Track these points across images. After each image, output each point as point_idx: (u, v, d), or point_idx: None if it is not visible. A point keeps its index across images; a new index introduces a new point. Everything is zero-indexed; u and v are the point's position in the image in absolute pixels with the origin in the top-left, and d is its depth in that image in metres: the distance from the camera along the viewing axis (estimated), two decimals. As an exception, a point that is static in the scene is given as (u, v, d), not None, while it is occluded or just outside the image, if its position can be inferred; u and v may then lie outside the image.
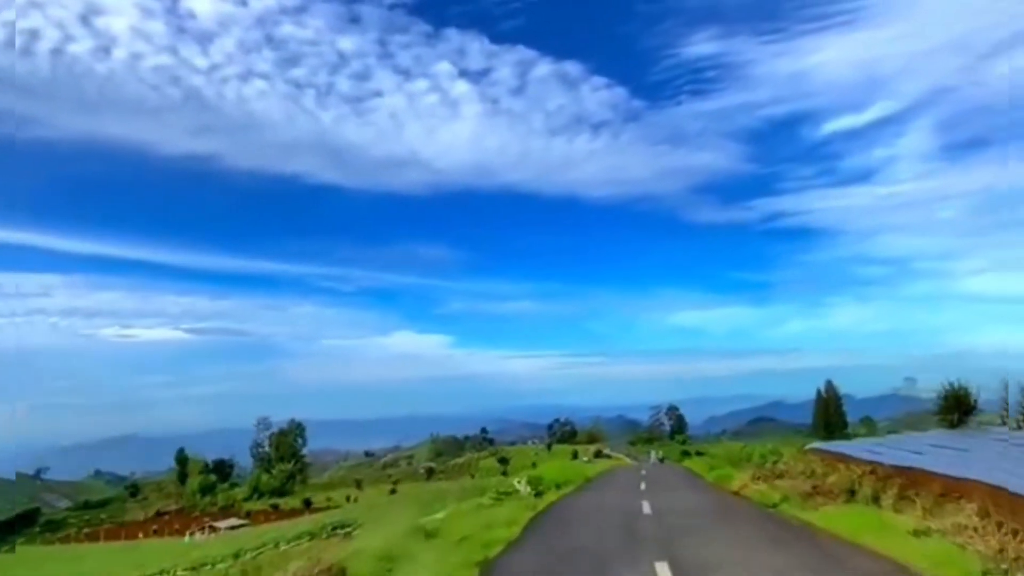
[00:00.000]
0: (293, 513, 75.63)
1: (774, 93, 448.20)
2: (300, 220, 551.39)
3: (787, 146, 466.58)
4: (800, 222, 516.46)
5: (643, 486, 27.44)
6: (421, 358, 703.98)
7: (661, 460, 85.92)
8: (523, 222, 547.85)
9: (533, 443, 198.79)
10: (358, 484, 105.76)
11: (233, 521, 74.89)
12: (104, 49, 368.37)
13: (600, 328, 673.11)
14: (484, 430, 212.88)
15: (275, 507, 77.27)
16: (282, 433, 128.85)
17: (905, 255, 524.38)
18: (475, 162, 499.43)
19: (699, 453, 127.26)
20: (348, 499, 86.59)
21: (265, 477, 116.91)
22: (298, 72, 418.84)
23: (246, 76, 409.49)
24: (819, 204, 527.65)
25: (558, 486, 28.04)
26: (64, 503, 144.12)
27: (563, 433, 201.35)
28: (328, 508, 75.51)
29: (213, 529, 72.60)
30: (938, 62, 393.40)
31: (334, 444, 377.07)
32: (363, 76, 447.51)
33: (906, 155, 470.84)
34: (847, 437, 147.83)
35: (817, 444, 26.30)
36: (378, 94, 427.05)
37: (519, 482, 29.27)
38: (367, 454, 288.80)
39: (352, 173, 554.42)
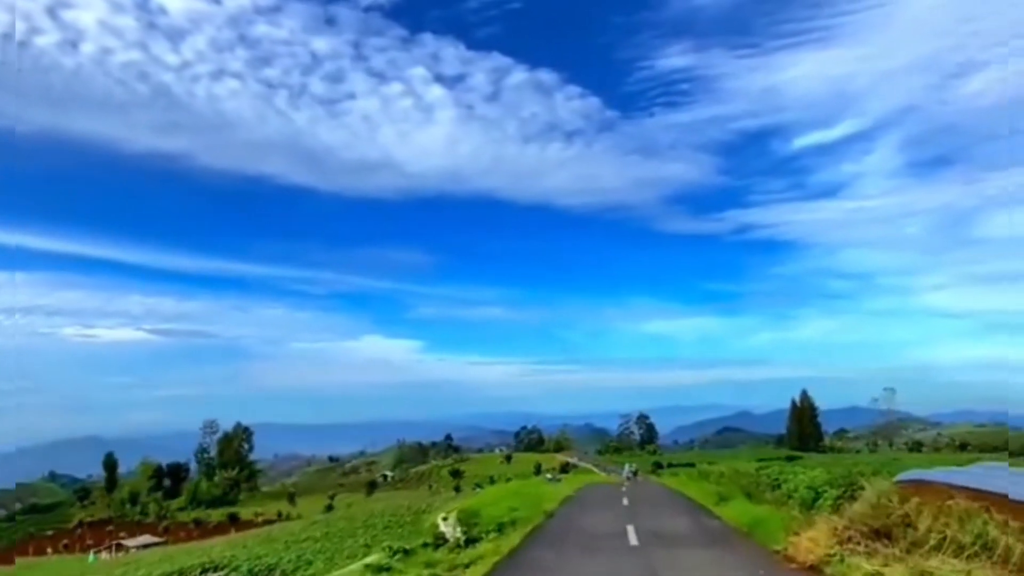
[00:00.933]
0: (217, 530, 64.27)
1: (746, 107, 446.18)
2: (270, 222, 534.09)
3: (758, 159, 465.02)
4: (770, 235, 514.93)
5: (632, 535, 17.34)
6: (390, 363, 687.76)
7: (634, 474, 76.25)
8: (495, 228, 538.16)
9: (501, 451, 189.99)
10: (291, 498, 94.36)
11: (145, 539, 63.46)
12: (71, 43, 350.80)
13: (570, 336, 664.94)
14: (448, 437, 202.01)
15: (198, 522, 65.92)
16: (227, 438, 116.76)
17: (870, 270, 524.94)
18: (448, 167, 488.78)
19: (671, 465, 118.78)
20: (279, 516, 75.35)
21: (205, 485, 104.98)
22: (271, 72, 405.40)
23: (218, 75, 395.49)
24: (788, 217, 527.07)
25: (500, 528, 17.96)
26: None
27: (530, 441, 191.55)
28: (255, 524, 64.39)
29: (120, 547, 61.16)
30: (906, 81, 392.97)
31: (300, 449, 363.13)
32: (337, 78, 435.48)
33: (873, 171, 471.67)
34: (822, 450, 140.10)
35: (915, 474, 16.18)
36: (352, 96, 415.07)
37: (445, 520, 19.42)
38: (332, 459, 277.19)
39: (324, 175, 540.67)
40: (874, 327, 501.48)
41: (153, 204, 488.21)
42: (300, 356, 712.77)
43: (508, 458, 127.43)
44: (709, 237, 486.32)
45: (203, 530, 64.32)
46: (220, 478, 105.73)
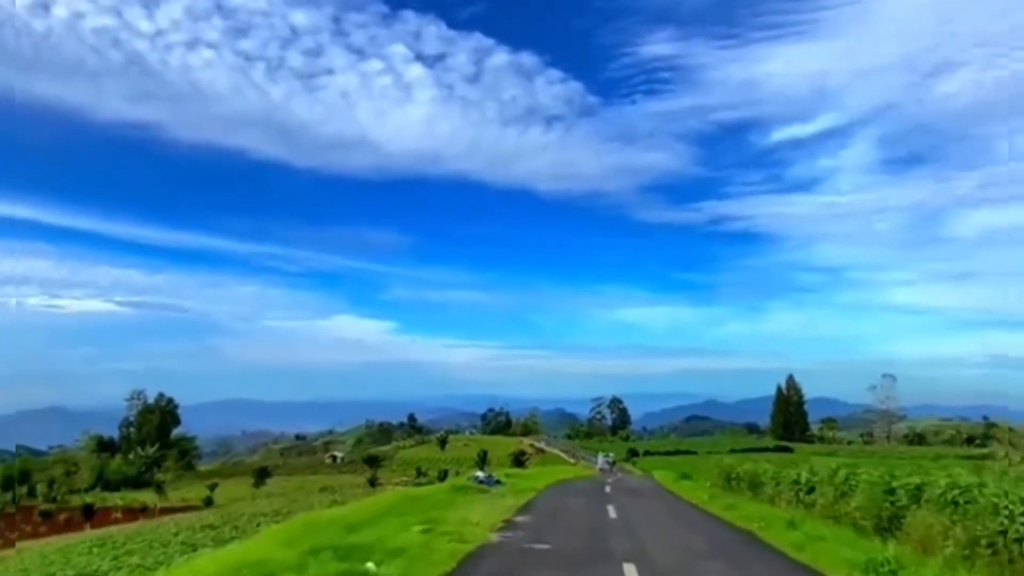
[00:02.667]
0: (68, 526, 46.91)
1: (725, 98, 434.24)
2: (243, 196, 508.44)
3: (735, 151, 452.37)
4: (744, 226, 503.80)
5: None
6: (362, 343, 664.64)
7: (611, 464, 60.73)
8: (471, 211, 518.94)
9: (471, 432, 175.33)
10: (211, 491, 76.68)
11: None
12: (43, 6, 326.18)
13: (543, 321, 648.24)
14: (412, 417, 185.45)
15: (46, 515, 49.45)
16: (147, 411, 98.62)
17: (840, 264, 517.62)
18: (426, 148, 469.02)
19: (648, 453, 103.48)
20: (142, 508, 58.15)
21: (116, 463, 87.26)
22: (247, 44, 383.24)
23: (193, 44, 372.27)
24: (763, 210, 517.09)
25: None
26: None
27: (497, 423, 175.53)
28: (117, 519, 47.24)
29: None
30: (883, 78, 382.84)
31: (269, 426, 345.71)
32: (315, 52, 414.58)
33: (848, 167, 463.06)
34: (809, 440, 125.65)
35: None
36: (330, 72, 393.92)
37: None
38: (298, 437, 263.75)
39: (299, 151, 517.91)
40: (843, 321, 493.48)
41: (123, 174, 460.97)
42: (271, 333, 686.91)
43: (443, 442, 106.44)
44: (684, 227, 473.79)
45: (51, 526, 46.77)
46: (135, 456, 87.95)
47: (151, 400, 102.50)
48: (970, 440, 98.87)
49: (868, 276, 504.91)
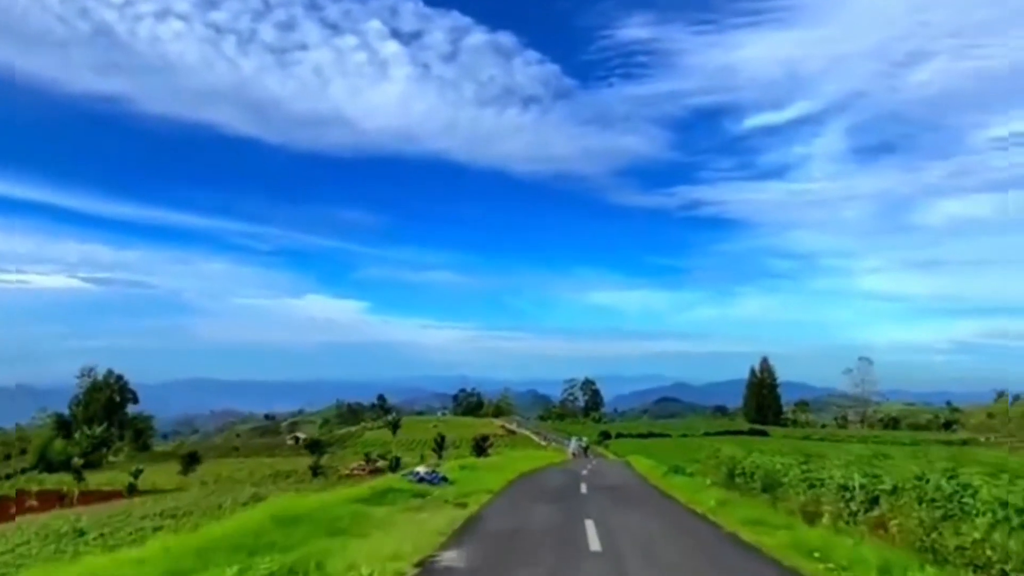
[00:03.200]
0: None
1: (701, 83, 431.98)
2: (213, 172, 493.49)
3: (709, 137, 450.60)
4: (717, 212, 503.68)
5: None
6: (335, 322, 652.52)
7: (585, 449, 56.42)
8: (446, 191, 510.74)
9: (443, 414, 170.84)
10: (190, 460, 71.04)
11: None
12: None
13: (517, 303, 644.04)
14: (381, 398, 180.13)
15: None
16: (95, 388, 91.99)
17: (812, 251, 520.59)
18: (401, 126, 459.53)
19: (620, 435, 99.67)
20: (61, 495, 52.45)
21: (60, 444, 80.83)
22: (218, 16, 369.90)
23: (162, 15, 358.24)
24: (736, 196, 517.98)
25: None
26: None
27: (469, 404, 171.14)
28: (32, 508, 41.84)
29: None
30: (857, 67, 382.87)
31: (238, 405, 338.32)
32: (288, 26, 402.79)
33: (819, 155, 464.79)
34: (783, 424, 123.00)
35: None
36: (303, 47, 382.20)
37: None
38: (268, 417, 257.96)
39: (271, 127, 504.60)
40: (812, 306, 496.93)
41: (90, 147, 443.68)
42: (242, 311, 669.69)
43: (394, 426, 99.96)
44: (657, 211, 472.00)
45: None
46: (81, 435, 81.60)
47: (107, 377, 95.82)
48: (947, 425, 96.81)
49: (838, 263, 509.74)
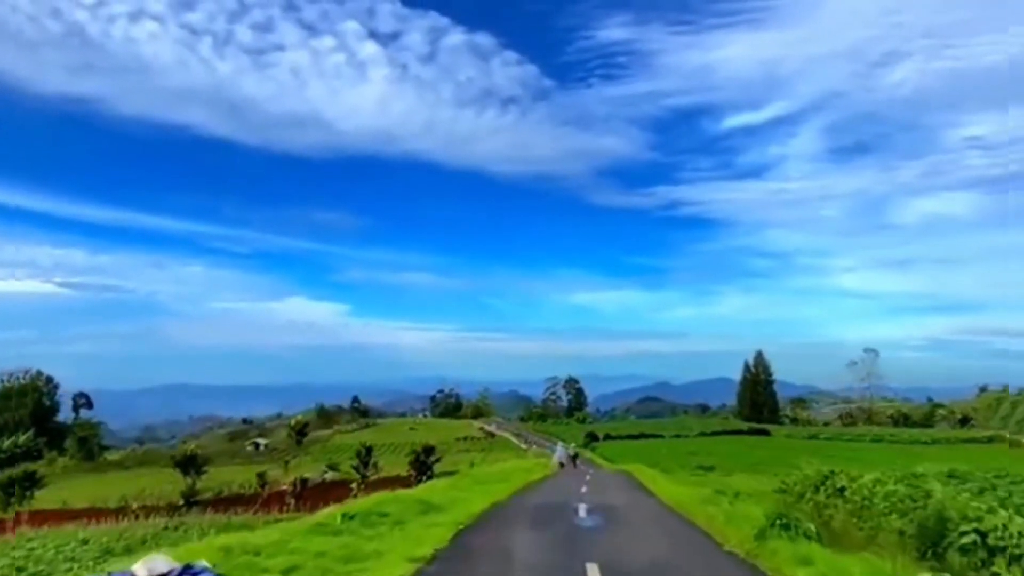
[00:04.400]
0: None
1: (680, 84, 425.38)
2: (189, 174, 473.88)
3: (688, 137, 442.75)
4: (696, 212, 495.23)
5: None
6: (315, 325, 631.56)
7: (574, 458, 45.83)
8: (426, 193, 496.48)
9: (424, 415, 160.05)
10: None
11: None
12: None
13: (498, 304, 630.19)
14: (356, 399, 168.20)
15: None
16: (17, 392, 79.71)
17: (788, 250, 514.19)
18: (380, 127, 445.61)
19: (610, 437, 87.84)
20: None
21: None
22: (194, 16, 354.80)
23: (136, 16, 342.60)
24: (714, 196, 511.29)
25: None
26: None
27: (447, 406, 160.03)
28: None
29: None
30: (833, 67, 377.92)
31: (218, 410, 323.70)
32: (265, 27, 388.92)
33: (796, 155, 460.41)
34: (779, 422, 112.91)
35: None
36: (280, 48, 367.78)
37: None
38: (245, 421, 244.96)
39: (248, 129, 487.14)
40: (790, 305, 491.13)
41: (63, 150, 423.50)
42: (220, 316, 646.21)
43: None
44: (637, 211, 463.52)
45: None
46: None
47: (35, 378, 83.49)
48: (964, 421, 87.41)
49: (815, 262, 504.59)
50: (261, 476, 45.64)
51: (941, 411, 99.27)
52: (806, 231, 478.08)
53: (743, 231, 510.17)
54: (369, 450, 44.07)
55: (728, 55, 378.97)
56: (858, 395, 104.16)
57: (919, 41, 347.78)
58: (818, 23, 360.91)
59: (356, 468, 41.80)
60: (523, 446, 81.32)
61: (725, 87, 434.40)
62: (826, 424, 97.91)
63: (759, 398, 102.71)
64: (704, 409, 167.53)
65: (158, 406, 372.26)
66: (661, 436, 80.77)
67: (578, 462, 44.43)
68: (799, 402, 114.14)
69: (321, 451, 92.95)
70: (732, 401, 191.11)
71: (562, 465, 40.46)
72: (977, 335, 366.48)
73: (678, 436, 79.77)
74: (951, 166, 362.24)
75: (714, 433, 78.96)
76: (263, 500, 23.05)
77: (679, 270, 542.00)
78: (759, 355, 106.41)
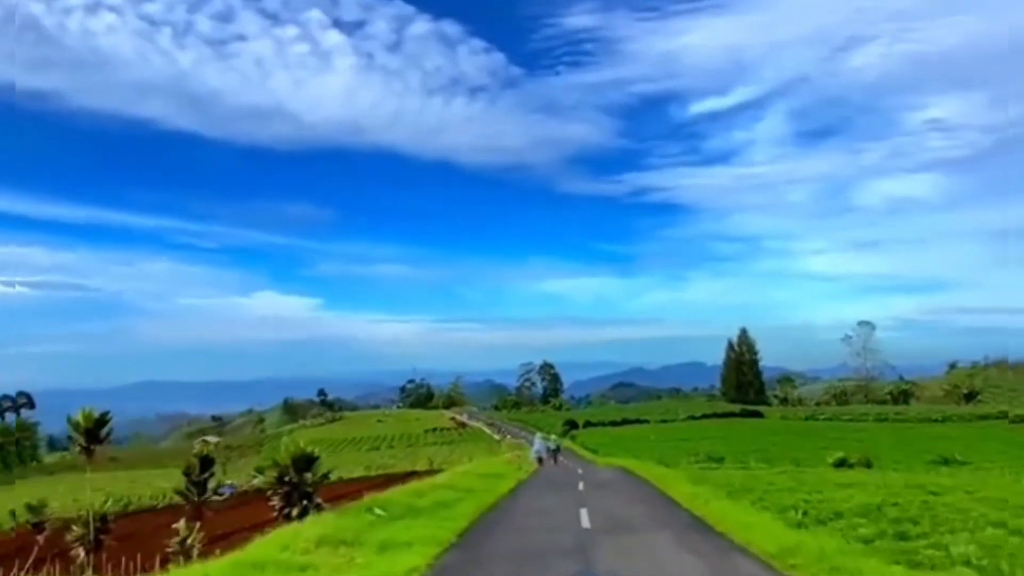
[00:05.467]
0: None
1: (646, 71, 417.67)
2: (153, 169, 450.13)
3: (656, 123, 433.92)
4: (664, 197, 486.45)
5: None
6: (286, 320, 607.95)
7: (556, 451, 36.66)
8: (395, 184, 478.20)
9: (399, 406, 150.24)
10: None
11: None
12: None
13: (470, 294, 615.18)
14: (322, 392, 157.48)
15: None
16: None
17: (756, 234, 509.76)
18: (346, 118, 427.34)
19: (591, 424, 72.39)
20: None
21: None
22: (152, 7, 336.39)
23: (93, 8, 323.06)
24: (682, 181, 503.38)
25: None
26: None
27: (418, 396, 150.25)
28: None
29: None
30: (797, 52, 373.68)
31: (187, 408, 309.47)
32: (225, 17, 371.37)
33: (762, 139, 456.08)
34: (765, 402, 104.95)
35: None
36: (242, 38, 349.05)
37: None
38: (215, 418, 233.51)
39: (212, 121, 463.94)
40: (759, 288, 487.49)
41: (20, 146, 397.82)
42: (189, 312, 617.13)
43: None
44: (606, 198, 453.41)
45: None
46: None
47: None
48: (969, 396, 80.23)
49: (783, 245, 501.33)
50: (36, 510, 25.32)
51: (943, 385, 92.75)
52: (773, 215, 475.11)
53: (711, 216, 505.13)
54: (310, 461, 34.78)
55: (693, 41, 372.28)
56: (853, 372, 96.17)
57: (882, 25, 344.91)
58: (782, 8, 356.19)
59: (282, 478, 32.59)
60: (496, 437, 72.27)
61: (691, 73, 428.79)
62: (817, 404, 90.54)
63: (744, 378, 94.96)
64: (677, 392, 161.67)
65: (126, 405, 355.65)
66: (646, 421, 72.19)
67: (560, 457, 35.36)
68: (787, 380, 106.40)
69: (270, 450, 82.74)
70: (705, 384, 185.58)
71: (540, 461, 31.31)
72: (941, 314, 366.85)
73: (665, 421, 71.33)
74: (913, 148, 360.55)
75: (703, 416, 70.68)
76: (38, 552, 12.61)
77: (649, 256, 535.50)
78: (743, 333, 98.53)
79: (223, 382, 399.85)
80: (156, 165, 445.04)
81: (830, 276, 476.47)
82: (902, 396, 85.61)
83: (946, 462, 28.97)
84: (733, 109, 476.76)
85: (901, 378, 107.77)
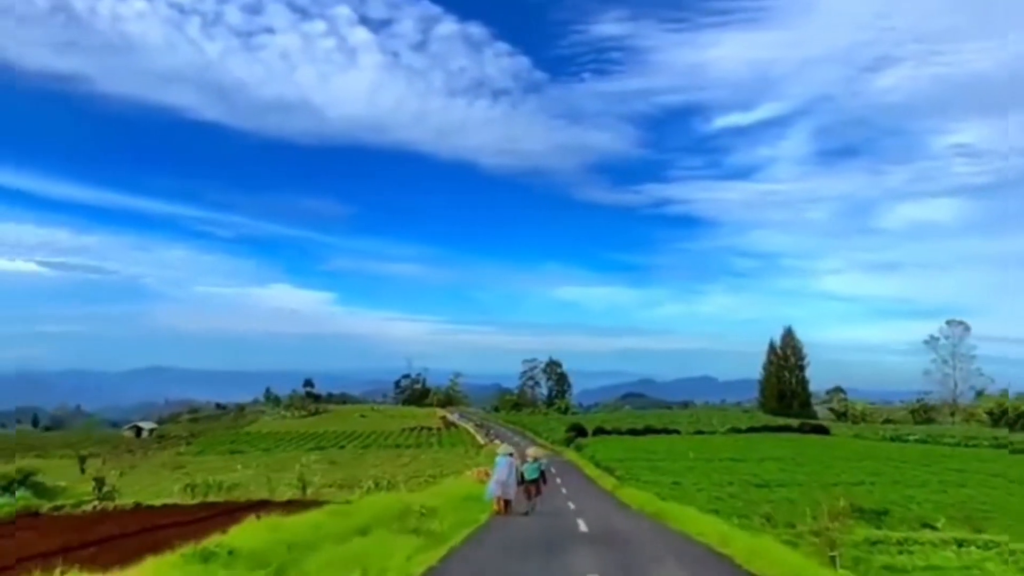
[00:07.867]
0: None
1: (672, 82, 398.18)
2: (175, 157, 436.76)
3: (679, 135, 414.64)
4: (684, 210, 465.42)
5: None
6: (299, 313, 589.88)
7: (536, 480, 18.36)
8: (414, 183, 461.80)
9: (393, 401, 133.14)
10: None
11: None
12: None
13: (483, 297, 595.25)
14: (308, 383, 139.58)
15: None
16: None
17: (775, 251, 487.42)
18: (369, 115, 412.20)
19: (603, 431, 51.02)
20: None
21: None
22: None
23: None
24: (702, 195, 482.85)
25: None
26: None
27: (413, 392, 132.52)
28: None
29: None
30: (823, 70, 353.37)
31: (196, 395, 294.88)
32: (255, 10, 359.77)
33: (785, 156, 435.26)
34: (811, 416, 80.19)
35: None
36: (270, 31, 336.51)
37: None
38: (218, 406, 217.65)
39: (236, 112, 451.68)
40: (774, 306, 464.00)
41: (47, 128, 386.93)
42: (204, 300, 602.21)
43: None
44: (625, 208, 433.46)
45: None
46: None
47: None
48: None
49: (800, 264, 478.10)
50: None
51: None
52: (792, 233, 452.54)
53: (730, 231, 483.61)
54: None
55: (720, 54, 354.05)
56: (937, 384, 74.70)
57: (910, 46, 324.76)
58: (811, 25, 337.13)
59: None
60: (481, 440, 54.03)
61: (716, 87, 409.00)
62: (885, 421, 70.18)
63: (788, 387, 75.86)
64: (687, 406, 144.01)
65: (138, 389, 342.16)
66: (676, 432, 53.23)
67: (544, 483, 16.34)
68: (838, 391, 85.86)
69: (221, 440, 65.42)
70: (716, 399, 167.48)
71: (506, 504, 13.04)
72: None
73: (700, 432, 52.50)
74: (937, 172, 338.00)
75: (750, 429, 51.96)
76: None
77: (665, 268, 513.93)
78: (788, 334, 78.78)
79: (233, 371, 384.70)
80: (178, 153, 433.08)
81: (847, 296, 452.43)
82: (1001, 415, 63.57)
83: None
84: (757, 125, 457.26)
85: (919, 400, 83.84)
